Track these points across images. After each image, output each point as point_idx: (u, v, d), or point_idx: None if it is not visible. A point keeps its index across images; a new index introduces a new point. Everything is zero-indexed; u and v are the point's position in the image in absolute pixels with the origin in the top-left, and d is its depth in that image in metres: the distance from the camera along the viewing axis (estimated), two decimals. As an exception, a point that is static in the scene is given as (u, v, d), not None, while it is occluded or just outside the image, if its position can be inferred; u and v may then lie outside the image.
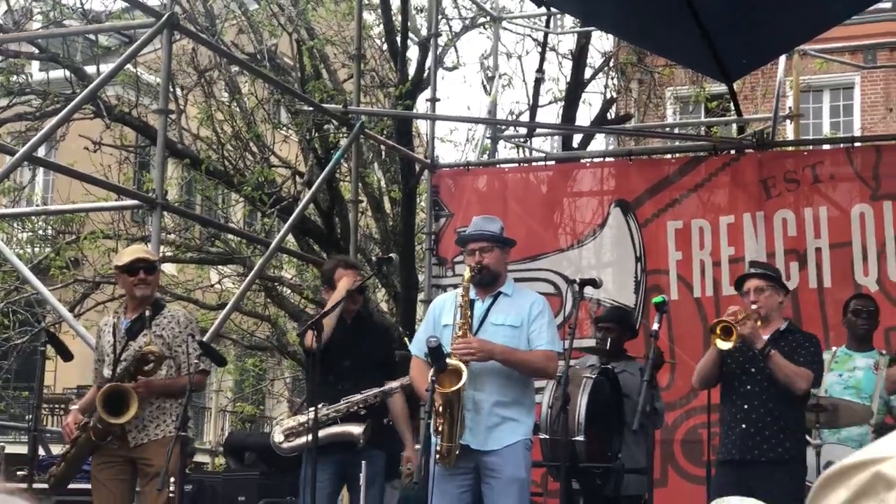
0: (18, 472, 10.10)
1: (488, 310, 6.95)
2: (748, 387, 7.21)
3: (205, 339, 8.40)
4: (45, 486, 9.30)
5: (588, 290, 8.06)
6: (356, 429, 7.49)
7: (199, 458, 19.72)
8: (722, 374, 7.30)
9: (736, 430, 7.20)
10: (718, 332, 7.01)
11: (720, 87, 13.74)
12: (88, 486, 7.71)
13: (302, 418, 7.58)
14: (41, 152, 9.72)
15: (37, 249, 17.50)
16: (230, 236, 16.00)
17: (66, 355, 7.46)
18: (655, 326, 6.91)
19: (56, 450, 13.00)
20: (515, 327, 6.91)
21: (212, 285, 17.92)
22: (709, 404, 7.83)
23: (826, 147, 12.51)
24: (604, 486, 7.97)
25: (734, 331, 6.95)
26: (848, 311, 8.51)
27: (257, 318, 17.79)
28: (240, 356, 22.33)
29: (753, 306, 7.12)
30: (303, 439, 7.56)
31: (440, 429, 6.53)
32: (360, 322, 8.10)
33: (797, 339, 7.32)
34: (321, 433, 7.38)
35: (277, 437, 7.69)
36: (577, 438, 7.44)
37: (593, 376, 7.72)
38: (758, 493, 6.92)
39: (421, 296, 12.92)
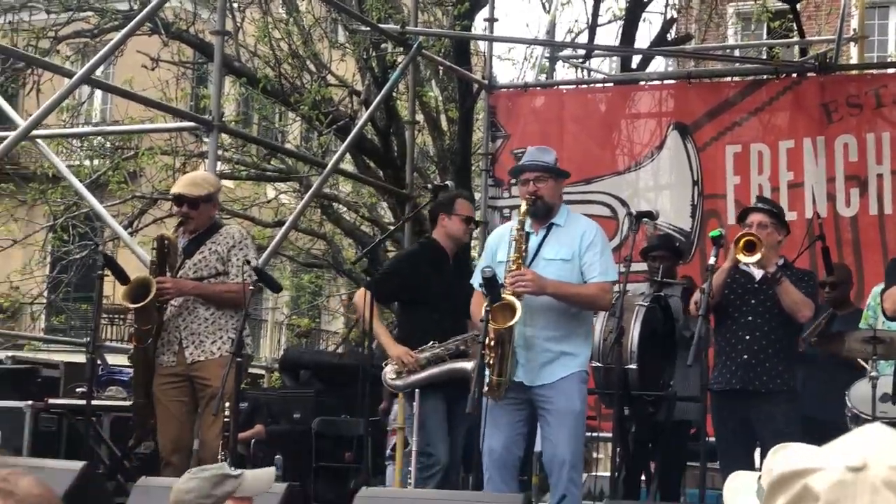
0: (77, 389, 10.24)
1: (541, 243, 6.90)
2: (749, 317, 7.28)
3: (262, 259, 8.47)
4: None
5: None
6: (469, 364, 7.43)
7: (254, 370, 19.88)
8: (719, 304, 7.30)
9: (736, 360, 7.26)
10: (742, 245, 7.00)
11: (783, 5, 13.51)
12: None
13: (420, 355, 7.57)
14: (99, 70, 9.73)
15: (96, 163, 17.60)
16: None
17: (124, 279, 7.54)
18: (712, 260, 6.90)
19: (112, 359, 13.17)
20: (567, 261, 6.85)
21: (268, 201, 17.97)
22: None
23: (890, 71, 12.32)
24: (656, 413, 7.99)
25: (757, 247, 6.93)
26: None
27: (313, 236, 17.84)
28: (295, 272, 22.45)
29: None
30: (414, 377, 7.55)
31: (490, 362, 6.53)
32: (462, 261, 8.06)
33: (796, 273, 7.36)
34: (435, 370, 7.42)
35: (390, 374, 7.68)
36: (630, 367, 7.43)
37: (646, 304, 7.69)
38: (756, 422, 7.03)
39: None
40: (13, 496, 1.63)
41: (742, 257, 7.01)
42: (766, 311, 7.26)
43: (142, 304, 7.37)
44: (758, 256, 6.97)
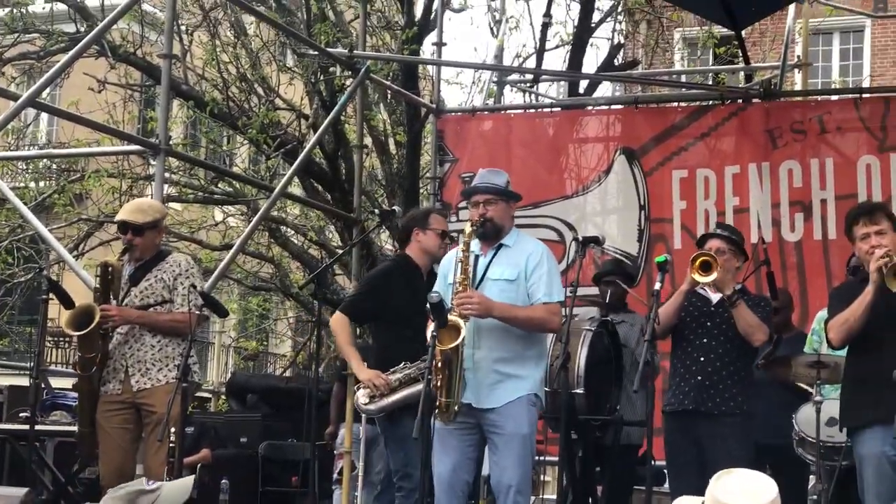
0: (21, 414, 10.15)
1: (489, 264, 6.89)
2: (704, 340, 7.32)
3: (209, 282, 8.43)
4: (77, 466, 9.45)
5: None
6: None
7: (201, 394, 19.78)
8: (676, 326, 7.36)
9: (690, 382, 7.30)
10: (697, 265, 7.06)
11: (729, 31, 13.63)
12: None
13: (391, 377, 7.41)
14: (45, 92, 9.67)
15: (42, 185, 17.48)
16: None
17: (68, 303, 7.48)
18: (658, 286, 6.89)
19: (56, 383, 13.07)
20: (511, 281, 6.83)
21: (216, 224, 17.89)
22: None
23: (834, 98, 12.44)
24: (603, 437, 8.02)
25: (713, 267, 6.98)
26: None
27: (260, 259, 17.79)
28: (243, 295, 22.37)
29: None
30: (387, 400, 7.37)
31: (438, 384, 6.52)
32: (435, 277, 7.97)
33: (752, 299, 7.42)
34: (408, 391, 7.26)
35: (362, 399, 7.52)
36: (577, 391, 7.46)
37: (592, 328, 7.72)
38: (708, 443, 7.07)
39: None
40: None
41: (698, 277, 7.06)
42: (722, 334, 7.30)
43: (85, 331, 7.31)
44: (713, 276, 7.03)
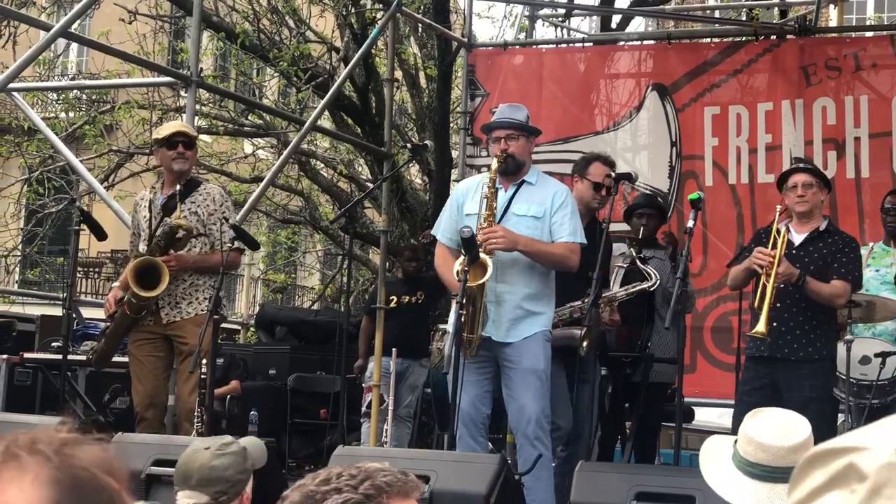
0: (53, 344, 10.23)
1: (511, 199, 6.92)
2: (782, 285, 7.04)
3: (239, 216, 8.45)
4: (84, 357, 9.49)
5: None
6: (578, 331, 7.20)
7: (229, 326, 19.87)
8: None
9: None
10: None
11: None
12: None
13: None
14: (76, 23, 9.65)
15: (72, 116, 17.49)
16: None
17: (100, 234, 7.51)
18: (690, 223, 6.82)
19: (87, 313, 13.16)
20: (538, 218, 6.87)
21: (245, 157, 17.91)
22: (741, 293, 7.83)
23: (869, 34, 12.31)
24: (633, 374, 8.04)
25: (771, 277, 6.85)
26: (883, 207, 8.40)
27: (290, 192, 17.79)
28: (272, 228, 22.42)
29: (799, 201, 7.05)
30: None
31: (464, 320, 6.54)
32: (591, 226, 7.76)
33: (836, 241, 7.20)
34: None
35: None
36: (608, 327, 7.46)
37: (625, 266, 7.70)
38: (785, 390, 6.96)
39: (454, 174, 12.88)
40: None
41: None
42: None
43: (156, 292, 7.30)
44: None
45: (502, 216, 6.86)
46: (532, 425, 6.71)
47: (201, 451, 4.39)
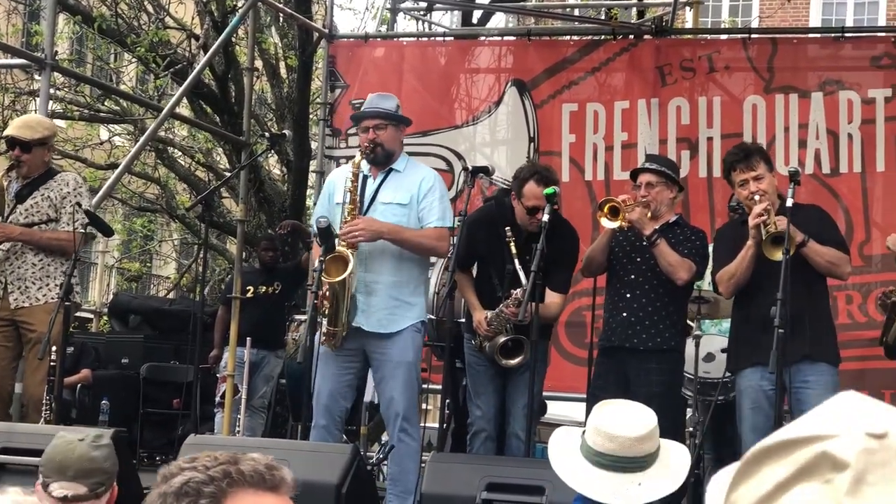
0: None
1: (378, 188, 6.92)
2: (632, 276, 7.22)
3: (94, 201, 8.32)
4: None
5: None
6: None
7: (82, 314, 19.57)
8: (609, 262, 7.36)
9: (617, 318, 7.23)
10: (606, 210, 7.05)
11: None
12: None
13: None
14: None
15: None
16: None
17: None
18: (545, 217, 6.89)
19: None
20: (404, 205, 6.89)
21: (101, 143, 17.64)
22: (594, 288, 7.95)
23: (724, 37, 12.55)
24: (486, 366, 8.07)
25: (621, 212, 6.99)
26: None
27: (147, 180, 17.58)
28: (128, 216, 22.13)
29: (643, 200, 7.16)
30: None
31: (326, 312, 6.53)
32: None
33: (685, 232, 7.34)
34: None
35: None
36: (461, 320, 7.50)
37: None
38: (634, 380, 7.08)
39: (313, 165, 12.84)
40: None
41: (605, 222, 7.02)
42: (649, 270, 7.16)
43: None
44: (619, 223, 6.98)
45: (370, 205, 6.86)
46: (399, 420, 6.76)
47: (76, 442, 4.28)
